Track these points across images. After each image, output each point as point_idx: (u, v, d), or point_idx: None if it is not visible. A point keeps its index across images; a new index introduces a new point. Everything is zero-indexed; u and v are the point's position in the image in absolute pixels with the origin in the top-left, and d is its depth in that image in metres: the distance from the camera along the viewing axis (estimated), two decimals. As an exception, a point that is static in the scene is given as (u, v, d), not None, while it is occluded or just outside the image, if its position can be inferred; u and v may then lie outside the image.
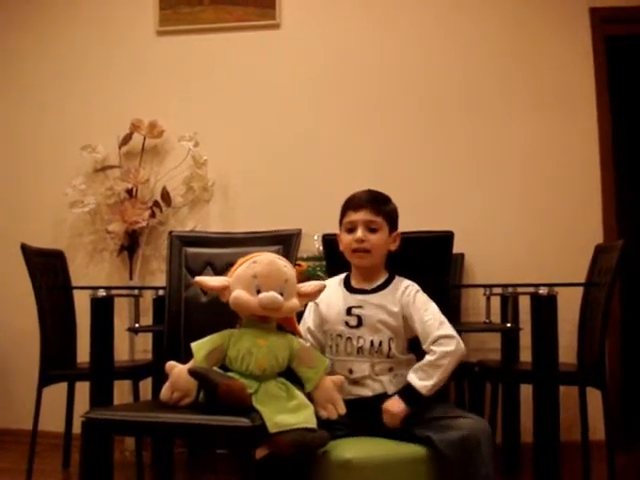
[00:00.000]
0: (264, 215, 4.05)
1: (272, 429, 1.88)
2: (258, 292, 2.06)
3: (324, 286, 2.19)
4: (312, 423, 1.95)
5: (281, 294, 2.06)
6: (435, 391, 2.13)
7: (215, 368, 2.06)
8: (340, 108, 4.31)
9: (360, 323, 2.26)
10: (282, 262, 2.15)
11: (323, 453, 2.01)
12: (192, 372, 2.02)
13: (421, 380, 2.12)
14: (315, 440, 1.95)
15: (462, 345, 2.16)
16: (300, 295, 2.15)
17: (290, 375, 2.11)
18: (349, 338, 2.25)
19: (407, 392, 2.14)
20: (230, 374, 2.03)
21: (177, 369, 2.10)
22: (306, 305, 2.31)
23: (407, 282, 2.31)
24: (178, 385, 2.08)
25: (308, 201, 4.16)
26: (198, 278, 2.19)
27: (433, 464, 2.04)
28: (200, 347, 2.10)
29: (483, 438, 2.03)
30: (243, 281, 2.08)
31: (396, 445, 2.09)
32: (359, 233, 2.26)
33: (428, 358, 2.14)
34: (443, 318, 2.21)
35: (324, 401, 2.06)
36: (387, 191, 2.40)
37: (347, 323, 2.27)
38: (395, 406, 2.13)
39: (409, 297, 2.25)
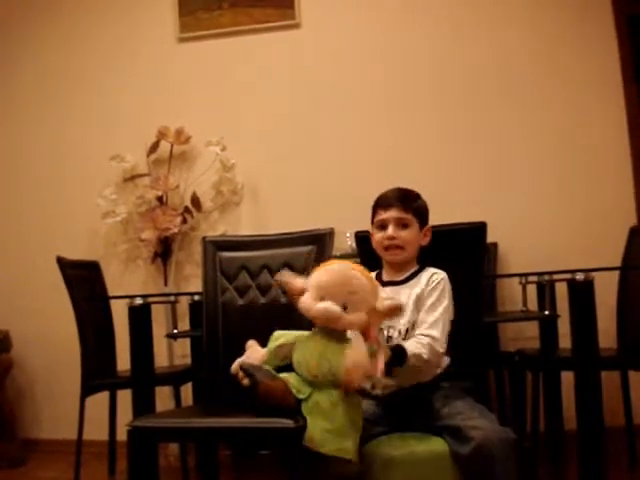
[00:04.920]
0: (294, 215, 4.05)
1: (306, 442, 1.86)
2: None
3: (399, 306, 2.03)
4: (349, 454, 1.89)
5: (345, 306, 1.98)
6: (411, 363, 2.09)
7: (267, 367, 2.03)
8: (367, 104, 4.29)
9: None
10: (354, 273, 2.02)
11: (366, 451, 2.00)
12: (242, 367, 2.00)
13: (412, 347, 2.10)
14: (343, 475, 1.89)
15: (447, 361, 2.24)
16: (373, 311, 2.00)
17: None
18: (380, 329, 2.22)
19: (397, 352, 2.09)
20: (285, 375, 2.00)
21: (252, 348, 2.10)
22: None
23: (435, 270, 2.30)
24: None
25: (338, 199, 4.15)
26: (282, 277, 2.09)
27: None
28: (277, 337, 2.08)
29: (497, 452, 1.93)
30: (312, 287, 2.02)
31: (436, 440, 2.07)
32: (390, 230, 2.28)
33: (424, 340, 2.13)
34: (447, 325, 2.20)
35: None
36: (418, 184, 2.40)
37: None
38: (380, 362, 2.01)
39: (432, 283, 2.24)
